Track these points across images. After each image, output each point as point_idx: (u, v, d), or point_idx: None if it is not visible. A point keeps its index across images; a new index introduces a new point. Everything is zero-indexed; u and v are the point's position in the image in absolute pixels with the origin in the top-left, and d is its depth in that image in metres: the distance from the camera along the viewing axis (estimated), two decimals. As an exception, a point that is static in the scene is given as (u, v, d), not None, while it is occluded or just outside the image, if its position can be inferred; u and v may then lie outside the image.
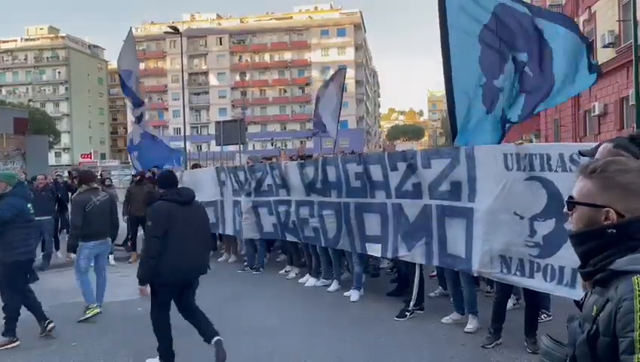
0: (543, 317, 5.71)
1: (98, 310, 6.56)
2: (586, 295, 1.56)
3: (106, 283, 6.96)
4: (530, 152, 4.94)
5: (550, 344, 1.69)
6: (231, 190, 9.63)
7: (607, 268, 1.43)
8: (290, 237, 8.41)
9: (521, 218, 4.95)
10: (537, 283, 4.87)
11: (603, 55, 19.94)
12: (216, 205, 9.90)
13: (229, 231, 9.82)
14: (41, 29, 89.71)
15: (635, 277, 1.34)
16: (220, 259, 10.30)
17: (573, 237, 1.57)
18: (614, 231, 1.44)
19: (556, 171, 4.71)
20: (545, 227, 4.79)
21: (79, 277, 6.58)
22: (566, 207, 1.59)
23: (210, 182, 10.10)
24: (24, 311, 6.72)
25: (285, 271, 8.81)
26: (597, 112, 20.14)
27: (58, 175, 14.02)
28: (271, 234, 8.83)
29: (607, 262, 1.44)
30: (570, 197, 1.57)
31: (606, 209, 1.46)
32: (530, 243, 4.89)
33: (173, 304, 4.95)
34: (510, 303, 5.71)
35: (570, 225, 1.61)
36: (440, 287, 7.15)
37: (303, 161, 8.37)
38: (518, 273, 5.01)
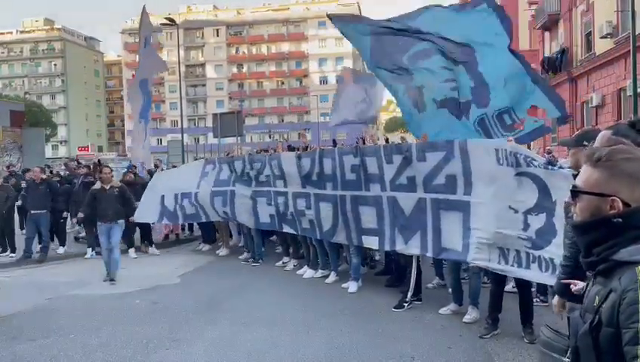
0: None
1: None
2: (587, 285, 1.55)
3: (119, 261, 8.34)
4: (516, 151, 5.16)
5: (550, 334, 1.68)
6: (212, 180, 9.54)
7: (610, 259, 1.41)
8: (287, 229, 8.36)
9: (516, 212, 5.08)
10: (534, 274, 4.99)
11: (601, 45, 19.93)
12: (190, 196, 9.80)
13: (214, 217, 9.82)
14: (36, 21, 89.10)
15: (639, 267, 1.32)
16: (218, 251, 10.28)
17: (578, 227, 1.54)
18: (620, 220, 1.41)
19: (538, 168, 4.93)
20: (537, 221, 4.93)
21: (101, 250, 8.56)
22: (570, 196, 1.56)
23: (192, 173, 10.03)
24: (22, 303, 6.76)
25: (283, 263, 8.82)
26: (595, 103, 20.14)
27: (47, 165, 14.04)
28: (267, 224, 8.75)
29: (611, 252, 1.41)
30: (574, 186, 1.54)
31: (612, 198, 1.43)
32: (524, 236, 5.01)
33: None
34: (509, 285, 5.77)
35: (574, 216, 1.57)
36: (437, 278, 7.18)
37: (300, 153, 8.33)
38: (515, 264, 5.11)
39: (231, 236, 10.77)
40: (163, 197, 10.16)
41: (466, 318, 5.59)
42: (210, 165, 9.87)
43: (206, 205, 9.60)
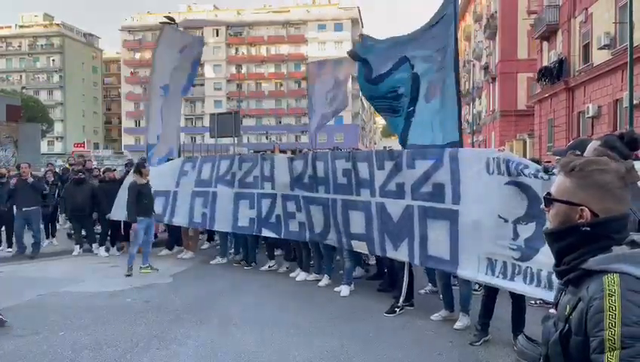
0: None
1: (150, 270, 8.51)
2: (560, 294, 1.58)
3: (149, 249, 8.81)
4: (508, 158, 5.21)
5: (525, 343, 1.73)
6: (193, 180, 9.35)
7: (579, 268, 1.44)
8: (267, 233, 8.27)
9: (506, 221, 5.09)
10: (518, 286, 4.98)
11: (598, 56, 20.04)
12: (168, 195, 9.59)
13: (179, 222, 9.56)
14: (35, 16, 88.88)
15: (606, 276, 1.35)
16: (181, 255, 10.06)
17: (549, 235, 1.58)
18: (588, 229, 1.45)
19: (529, 178, 4.92)
20: (527, 230, 4.95)
21: (133, 244, 8.83)
22: (543, 203, 1.60)
23: (169, 172, 9.80)
24: (12, 299, 6.73)
25: (269, 267, 8.76)
26: (591, 114, 20.25)
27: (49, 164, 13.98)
28: (245, 228, 8.59)
29: (580, 261, 1.44)
30: (549, 193, 1.58)
31: (581, 207, 1.47)
32: (513, 246, 5.03)
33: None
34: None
35: (547, 223, 1.62)
36: (430, 284, 7.18)
37: (292, 155, 8.30)
38: (500, 276, 5.12)
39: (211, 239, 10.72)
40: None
41: (457, 325, 5.59)
42: (189, 163, 9.68)
43: (184, 205, 9.35)
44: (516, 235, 5.01)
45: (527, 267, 4.90)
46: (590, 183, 1.48)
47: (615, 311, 1.29)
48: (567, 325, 1.43)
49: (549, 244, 1.60)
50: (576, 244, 1.47)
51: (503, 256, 5.11)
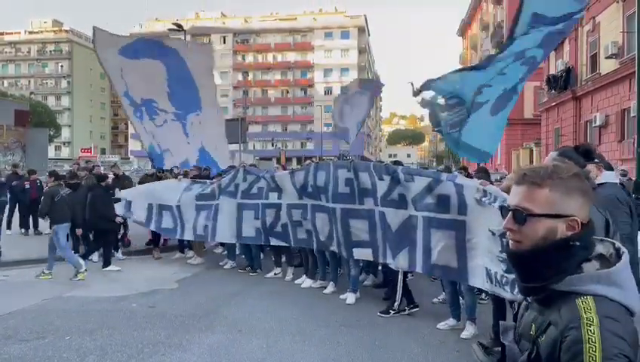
0: None
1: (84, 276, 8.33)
2: (519, 305, 1.49)
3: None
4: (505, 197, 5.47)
5: (481, 355, 1.63)
6: (194, 194, 9.25)
7: (549, 288, 1.31)
8: (276, 242, 8.30)
9: (493, 234, 5.17)
10: (506, 294, 5.01)
11: (606, 66, 19.99)
12: (172, 209, 9.44)
13: (188, 236, 9.48)
14: (44, 22, 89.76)
15: (579, 300, 1.26)
16: (189, 261, 10.07)
17: (524, 256, 1.35)
18: (578, 243, 1.30)
19: None
20: None
21: (64, 251, 8.50)
22: (513, 221, 1.36)
23: (174, 188, 9.68)
24: (18, 303, 6.74)
25: (274, 274, 8.71)
26: (598, 123, 20.17)
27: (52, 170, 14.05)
28: (251, 238, 8.62)
29: (557, 278, 1.30)
30: (523, 208, 1.34)
31: (572, 218, 1.30)
32: (500, 258, 5.08)
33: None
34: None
35: (512, 243, 1.39)
36: (443, 294, 7.13)
37: (293, 169, 8.35)
38: (497, 284, 5.16)
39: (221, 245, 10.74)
40: (130, 203, 9.72)
41: (464, 334, 5.56)
42: (196, 185, 9.62)
43: (190, 219, 9.25)
44: (504, 248, 5.07)
45: (514, 279, 4.94)
46: (573, 189, 1.32)
47: (595, 342, 1.19)
48: (535, 347, 1.32)
49: (517, 265, 1.39)
50: (557, 259, 1.30)
51: (494, 267, 5.18)
